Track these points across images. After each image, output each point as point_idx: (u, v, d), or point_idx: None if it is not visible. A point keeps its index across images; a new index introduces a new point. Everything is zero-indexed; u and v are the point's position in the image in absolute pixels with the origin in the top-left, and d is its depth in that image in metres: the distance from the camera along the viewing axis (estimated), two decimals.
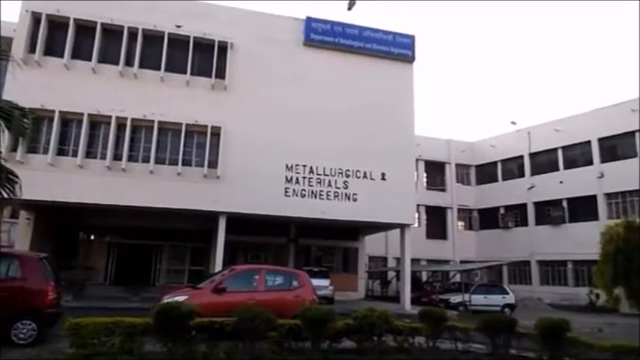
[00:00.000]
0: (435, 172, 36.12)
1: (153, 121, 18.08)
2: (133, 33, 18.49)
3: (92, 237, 23.08)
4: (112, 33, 18.51)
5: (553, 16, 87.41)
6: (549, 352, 7.87)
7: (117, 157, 17.77)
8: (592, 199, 28.74)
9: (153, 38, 18.75)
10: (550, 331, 7.87)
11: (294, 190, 19.11)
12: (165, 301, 8.55)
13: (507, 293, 23.82)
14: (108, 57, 18.31)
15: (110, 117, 17.74)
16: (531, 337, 8.28)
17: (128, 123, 17.90)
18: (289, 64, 19.92)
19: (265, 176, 18.64)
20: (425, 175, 35.54)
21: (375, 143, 20.09)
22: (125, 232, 22.08)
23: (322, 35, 20.62)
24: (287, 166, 19.19)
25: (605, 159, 28.74)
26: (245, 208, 18.28)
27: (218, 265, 17.58)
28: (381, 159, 20.17)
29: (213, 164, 18.47)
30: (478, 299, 22.27)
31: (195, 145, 18.83)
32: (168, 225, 21.13)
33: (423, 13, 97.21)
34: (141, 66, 18.38)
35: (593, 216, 27.93)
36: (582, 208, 29.09)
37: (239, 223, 19.32)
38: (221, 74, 19.07)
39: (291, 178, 19.17)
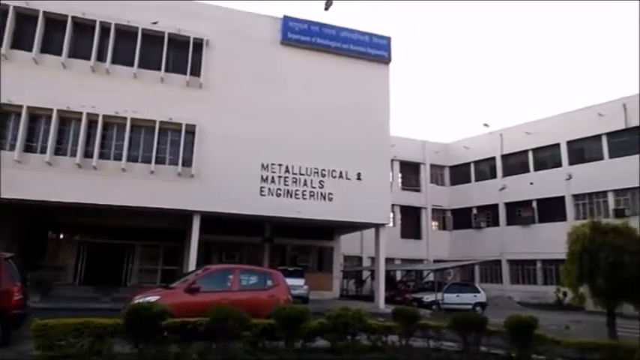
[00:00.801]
0: (410, 172, 36.57)
1: (125, 118, 17.71)
2: (105, 28, 18.07)
3: (61, 236, 22.49)
4: (83, 27, 18.04)
5: (525, 19, 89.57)
6: (518, 349, 8.07)
7: (88, 154, 17.35)
8: (560, 200, 29.58)
9: (126, 34, 18.37)
10: (519, 329, 8.07)
11: (269, 190, 19.04)
12: (137, 301, 8.41)
13: (479, 292, 24.31)
14: (79, 52, 17.84)
15: (81, 113, 17.29)
16: (501, 335, 8.47)
17: (100, 119, 17.50)
18: (266, 63, 19.83)
19: (240, 175, 18.51)
20: (400, 175, 35.94)
21: (351, 143, 20.20)
22: (96, 231, 21.59)
23: (299, 35, 20.60)
24: (262, 165, 19.10)
25: (573, 161, 29.60)
26: (220, 207, 18.11)
27: (192, 264, 17.37)
28: (357, 159, 20.29)
29: (187, 163, 18.22)
30: (450, 298, 22.66)
31: (170, 143, 18.54)
32: (140, 224, 20.77)
33: (399, 15, 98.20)
34: (113, 62, 17.98)
35: (561, 216, 28.73)
36: (551, 209, 29.91)
37: (213, 222, 19.14)
38: (196, 71, 18.84)
39: (267, 177, 19.10)
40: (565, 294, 22.73)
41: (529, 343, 7.99)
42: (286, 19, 20.48)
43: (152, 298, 8.90)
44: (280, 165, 19.34)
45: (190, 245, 18.07)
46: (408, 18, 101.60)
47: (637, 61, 75.47)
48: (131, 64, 18.02)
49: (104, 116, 17.56)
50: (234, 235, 23.10)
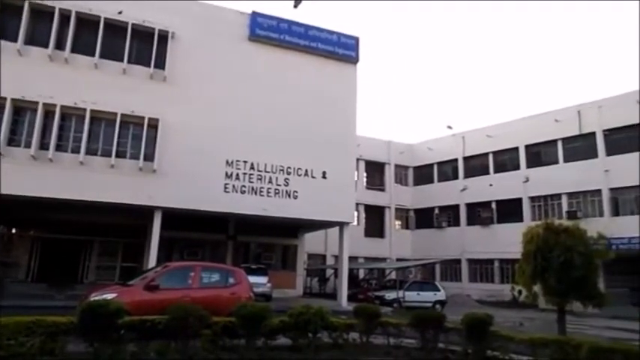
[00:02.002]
0: (374, 172, 37.01)
1: (85, 110, 17.10)
2: (65, 15, 17.41)
3: (13, 231, 21.50)
4: (41, 14, 17.31)
5: (491, 24, 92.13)
6: (474, 345, 8.30)
7: (43, 146, 16.67)
8: (518, 202, 30.65)
9: (87, 22, 17.76)
10: (475, 326, 8.29)
11: (233, 186, 18.84)
12: (92, 299, 8.17)
13: (439, 290, 24.92)
14: (36, 39, 17.12)
15: (37, 103, 16.58)
16: (458, 332, 8.69)
17: (57, 110, 16.84)
18: (233, 59, 19.61)
19: (204, 171, 18.25)
20: (365, 174, 36.32)
21: (317, 142, 20.26)
22: (51, 225, 20.74)
23: (268, 31, 20.47)
24: (227, 162, 18.89)
25: (530, 164, 30.73)
26: (182, 203, 17.81)
27: (152, 261, 16.99)
28: (323, 157, 20.38)
29: (149, 157, 17.79)
30: (411, 296, 23.11)
31: (131, 136, 18.04)
32: (99, 219, 20.15)
33: (366, 17, 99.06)
34: (73, 51, 17.34)
35: (518, 217, 29.74)
36: (509, 210, 30.94)
37: (176, 218, 18.78)
38: (161, 64, 18.40)
39: (231, 174, 18.90)
40: (520, 292, 23.60)
41: (484, 339, 8.22)
42: (255, 15, 20.31)
43: (109, 296, 8.67)
44: (245, 162, 19.18)
45: (151, 242, 17.68)
46: (375, 20, 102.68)
47: (597, 66, 78.98)
48: (92, 54, 17.44)
49: (62, 107, 16.92)
50: (197, 232, 22.76)
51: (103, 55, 17.61)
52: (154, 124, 17.93)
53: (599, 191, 26.96)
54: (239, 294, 10.08)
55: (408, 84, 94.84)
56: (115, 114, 17.48)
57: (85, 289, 13.24)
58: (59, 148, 16.93)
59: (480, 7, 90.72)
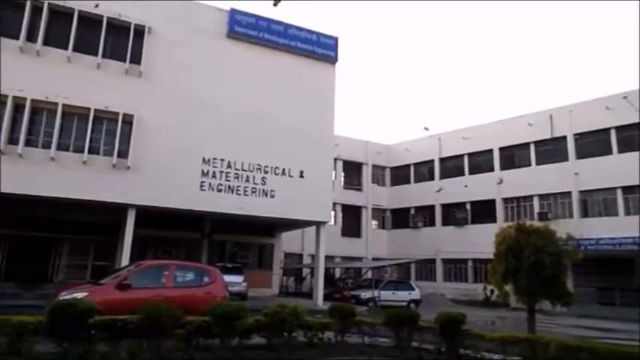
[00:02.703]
0: (352, 172, 37.18)
1: (56, 104, 16.65)
2: (37, 7, 16.91)
3: None
4: (11, 4, 16.77)
5: (468, 26, 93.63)
6: (447, 344, 8.44)
7: (13, 140, 16.15)
8: (492, 203, 31.24)
9: (61, 14, 17.30)
10: (448, 325, 8.44)
11: (210, 184, 18.66)
12: (62, 298, 7.98)
13: (413, 289, 25.22)
14: (6, 30, 16.53)
15: (6, 96, 16.05)
16: (432, 330, 8.82)
17: (27, 104, 16.33)
18: (211, 56, 19.40)
19: (180, 169, 18.02)
20: (343, 174, 36.45)
21: (295, 141, 20.24)
22: (20, 223, 20.05)
23: (246, 29, 20.33)
24: (204, 160, 18.69)
25: (504, 166, 31.35)
26: (157, 201, 17.54)
27: (125, 260, 16.65)
28: (301, 157, 20.36)
29: (123, 154, 17.44)
30: (387, 295, 23.31)
31: (105, 132, 17.64)
32: (70, 216, 19.66)
33: (344, 17, 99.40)
34: (45, 43, 16.87)
35: (492, 218, 30.29)
36: (483, 211, 31.50)
37: (150, 216, 18.50)
38: (136, 59, 18.05)
39: (208, 172, 18.70)
40: (492, 291, 24.08)
41: (457, 338, 8.37)
42: (233, 12, 20.15)
43: (79, 295, 8.50)
44: (222, 160, 19.01)
45: (124, 240, 17.33)
46: (354, 21, 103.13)
47: (571, 70, 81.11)
48: (65, 47, 16.99)
49: (32, 100, 16.42)
50: (171, 231, 22.48)
51: (76, 49, 17.19)
52: (128, 120, 17.59)
53: (569, 193, 27.71)
54: (214, 293, 10.01)
55: (387, 85, 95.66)
56: (89, 109, 17.08)
57: (55, 288, 12.93)
58: (29, 143, 16.44)
59: (458, 10, 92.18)
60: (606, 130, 26.77)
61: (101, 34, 17.48)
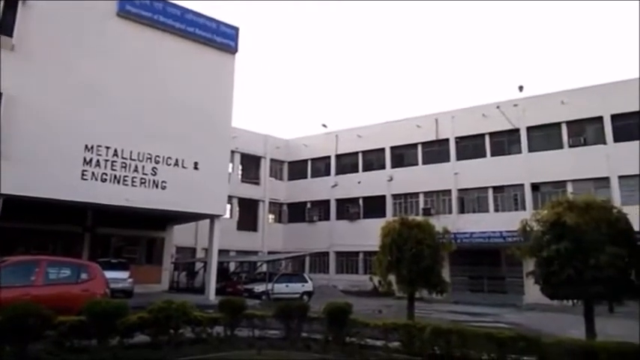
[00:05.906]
0: (250, 165, 36.92)
1: None
2: None
3: None
4: None
5: (372, 24, 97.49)
6: (334, 332, 8.80)
7: None
8: (382, 199, 33.09)
9: None
10: (335, 315, 8.81)
11: (93, 174, 17.23)
12: None
13: (307, 281, 25.83)
14: None
15: None
16: (320, 321, 9.13)
17: None
18: (98, 34, 17.89)
19: (58, 156, 16.36)
20: (240, 167, 36.04)
21: (190, 131, 19.51)
22: None
23: (139, 9, 19.10)
24: (87, 147, 17.19)
25: (394, 165, 33.40)
26: (28, 190, 15.68)
27: None
28: (195, 148, 19.69)
29: None
30: (280, 288, 23.59)
31: None
32: None
33: (245, 11, 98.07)
34: None
35: (382, 213, 31.94)
36: (374, 206, 33.21)
37: (21, 207, 16.60)
38: (8, 31, 16.04)
39: (91, 160, 17.24)
40: (380, 282, 25.58)
41: (344, 326, 8.77)
42: None
43: None
44: (108, 148, 17.66)
45: None
46: (257, 16, 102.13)
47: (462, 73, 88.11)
48: None
49: None
50: (47, 224, 20.47)
51: None
52: None
53: (449, 191, 30.36)
54: (92, 290, 9.37)
55: (287, 82, 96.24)
56: None
57: None
58: None
59: (358, 10, 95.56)
60: (482, 136, 29.81)
61: None
